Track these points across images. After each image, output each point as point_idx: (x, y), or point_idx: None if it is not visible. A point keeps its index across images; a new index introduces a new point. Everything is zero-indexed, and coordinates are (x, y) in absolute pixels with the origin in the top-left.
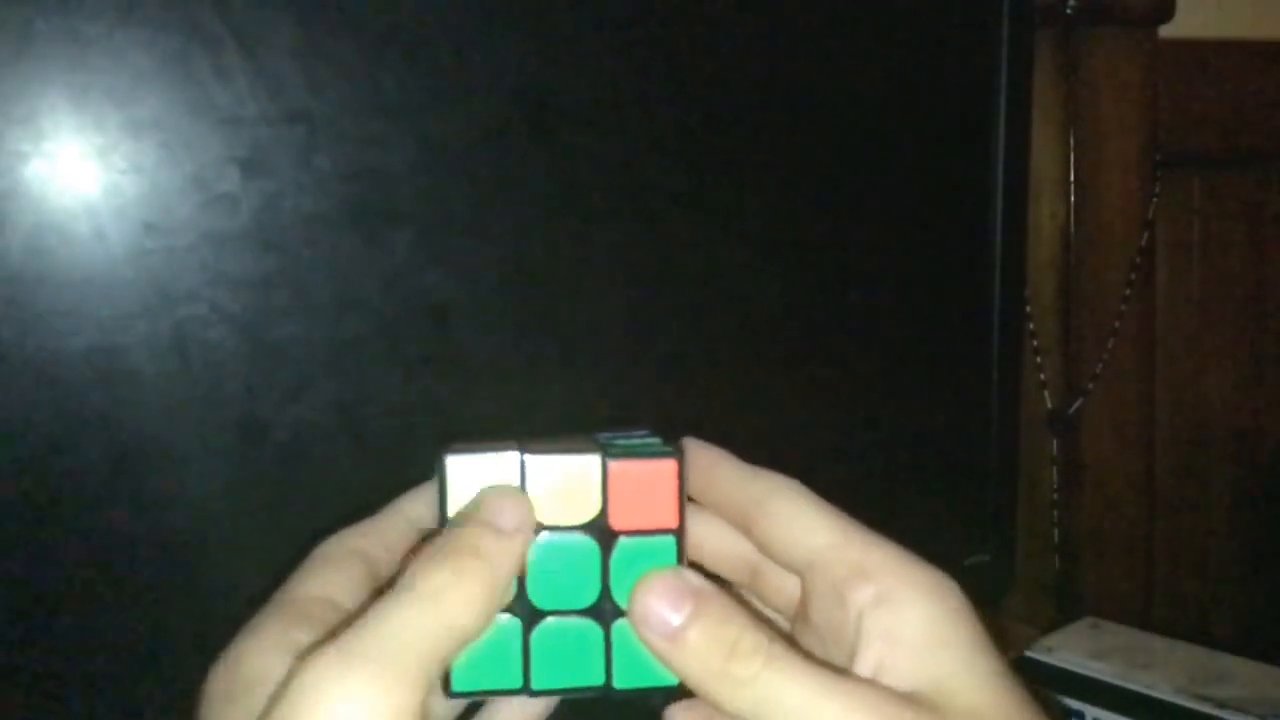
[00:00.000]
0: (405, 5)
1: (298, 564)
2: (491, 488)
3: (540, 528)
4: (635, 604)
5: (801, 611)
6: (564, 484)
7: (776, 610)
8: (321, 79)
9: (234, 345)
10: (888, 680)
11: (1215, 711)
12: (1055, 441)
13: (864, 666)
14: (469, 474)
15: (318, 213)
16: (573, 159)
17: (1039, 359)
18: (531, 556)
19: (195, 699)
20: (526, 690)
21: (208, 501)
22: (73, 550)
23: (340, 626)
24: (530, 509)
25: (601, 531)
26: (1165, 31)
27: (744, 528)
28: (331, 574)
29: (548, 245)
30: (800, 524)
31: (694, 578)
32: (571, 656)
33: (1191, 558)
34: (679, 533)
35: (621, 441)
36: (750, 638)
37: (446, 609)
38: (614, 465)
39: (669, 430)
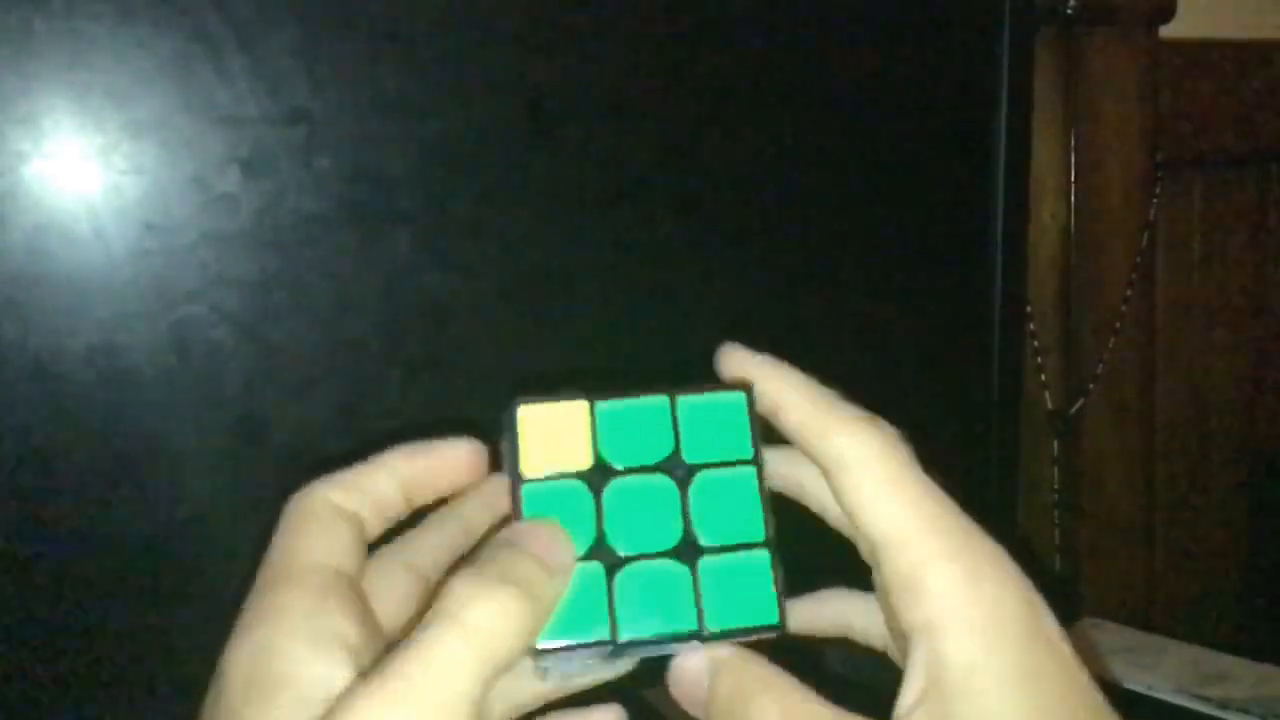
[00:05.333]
0: (405, 5)
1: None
2: (540, 522)
3: (615, 472)
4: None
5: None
6: (636, 426)
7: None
8: (321, 79)
9: (234, 345)
10: (927, 717)
11: (1215, 711)
12: (1055, 441)
13: (908, 696)
14: (542, 423)
15: (318, 213)
16: (572, 159)
17: (1039, 359)
18: (609, 500)
19: (209, 681)
20: (613, 642)
21: (208, 501)
22: (73, 549)
23: (383, 652)
24: (573, 547)
25: (678, 469)
26: (1165, 31)
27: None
28: (325, 537)
29: (547, 245)
30: (870, 506)
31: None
32: (659, 601)
33: (1192, 557)
34: (757, 462)
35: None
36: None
37: (492, 642)
38: (684, 400)
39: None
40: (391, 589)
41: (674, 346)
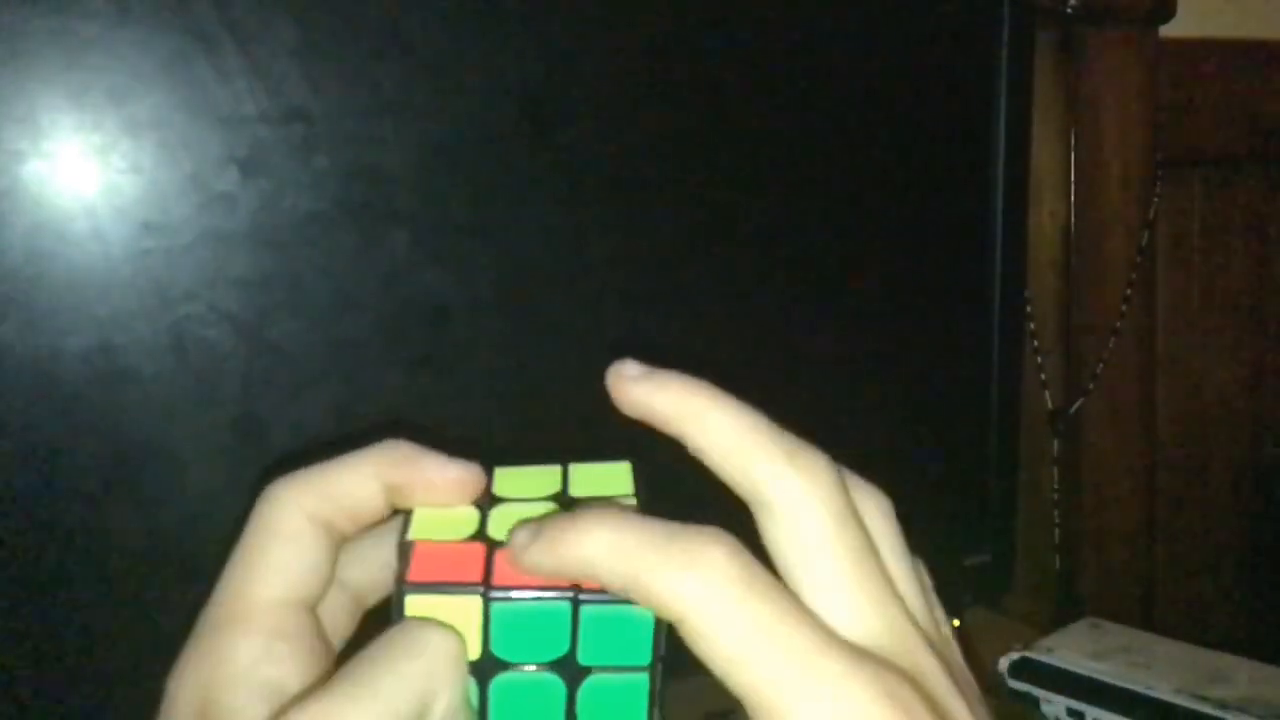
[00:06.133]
0: (404, 5)
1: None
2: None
3: (504, 665)
4: None
5: None
6: (532, 625)
7: None
8: (320, 78)
9: (233, 345)
10: None
11: (1215, 711)
12: (1055, 441)
13: None
14: (432, 614)
15: (317, 212)
16: (572, 159)
17: (1039, 359)
18: (495, 689)
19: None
20: None
21: (207, 501)
22: (72, 549)
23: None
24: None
25: (570, 670)
26: (1165, 31)
27: None
28: (290, 556)
29: (547, 245)
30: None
31: None
32: None
33: (1192, 557)
34: (653, 670)
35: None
36: None
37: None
38: (587, 611)
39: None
40: (330, 607)
41: (673, 346)
